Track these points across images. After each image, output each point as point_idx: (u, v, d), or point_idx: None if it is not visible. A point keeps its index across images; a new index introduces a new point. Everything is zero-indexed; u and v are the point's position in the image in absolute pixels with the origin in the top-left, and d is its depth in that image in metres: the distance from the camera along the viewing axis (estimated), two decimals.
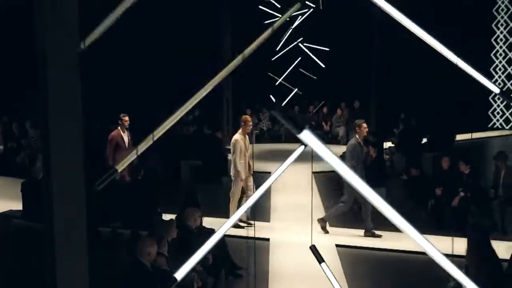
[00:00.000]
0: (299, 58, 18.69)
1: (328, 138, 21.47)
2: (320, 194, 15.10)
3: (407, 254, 10.76)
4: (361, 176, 8.46)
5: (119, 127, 13.13)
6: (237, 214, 4.67)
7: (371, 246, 11.46)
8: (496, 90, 3.61)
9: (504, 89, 24.09)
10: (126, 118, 13.17)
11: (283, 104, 19.70)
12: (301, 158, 15.20)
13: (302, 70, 18.53)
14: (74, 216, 6.04)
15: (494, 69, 24.49)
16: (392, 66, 19.94)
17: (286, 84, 18.94)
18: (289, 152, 15.23)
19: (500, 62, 24.37)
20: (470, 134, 21.71)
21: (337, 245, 11.42)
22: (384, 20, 18.76)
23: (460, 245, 11.06)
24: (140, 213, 10.84)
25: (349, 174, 2.47)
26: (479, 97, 24.01)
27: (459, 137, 20.71)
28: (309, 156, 14.29)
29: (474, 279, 7.47)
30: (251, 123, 12.35)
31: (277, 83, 19.02)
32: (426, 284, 9.53)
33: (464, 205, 12.44)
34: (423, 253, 9.14)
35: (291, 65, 18.75)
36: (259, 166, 17.91)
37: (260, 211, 13.60)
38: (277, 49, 18.66)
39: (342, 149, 19.87)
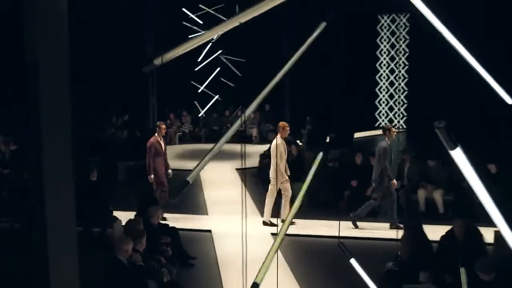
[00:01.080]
0: (218, 68, 18.37)
1: (243, 138, 21.21)
2: (246, 188, 14.81)
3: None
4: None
5: (156, 134, 12.21)
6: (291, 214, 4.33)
7: (302, 233, 11.27)
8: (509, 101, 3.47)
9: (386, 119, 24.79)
10: (164, 125, 12.40)
11: (204, 110, 19.40)
12: (226, 157, 14.87)
13: (222, 79, 18.18)
14: (64, 217, 5.55)
15: (379, 102, 25.15)
16: (299, 74, 19.96)
17: (207, 91, 18.54)
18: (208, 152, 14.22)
19: (383, 96, 25.02)
20: (363, 132, 22.08)
21: (272, 234, 11.22)
22: (292, 34, 18.81)
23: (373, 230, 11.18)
24: (93, 212, 10.20)
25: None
26: (368, 101, 24.56)
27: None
28: (231, 155, 14.03)
29: (410, 259, 7.34)
30: (288, 128, 11.64)
31: (199, 90, 18.60)
32: (368, 264, 9.41)
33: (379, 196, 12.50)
34: (353, 238, 8.89)
35: (212, 75, 18.40)
36: (184, 164, 17.50)
37: (197, 206, 13.23)
38: (199, 60, 18.26)
39: (255, 148, 19.86)
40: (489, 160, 12.19)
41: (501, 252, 8.48)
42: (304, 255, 10.23)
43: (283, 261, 9.67)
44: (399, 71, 24.54)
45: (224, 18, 17.28)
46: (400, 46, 24.35)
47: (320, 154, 4.60)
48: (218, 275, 9.17)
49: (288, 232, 11.06)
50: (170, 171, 12.37)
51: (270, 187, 11.70)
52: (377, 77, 25.02)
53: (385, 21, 24.66)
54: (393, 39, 24.57)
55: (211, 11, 17.78)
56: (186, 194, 14.40)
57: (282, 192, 11.47)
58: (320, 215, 12.12)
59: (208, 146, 20.29)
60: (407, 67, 24.17)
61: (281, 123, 11.53)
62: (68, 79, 5.50)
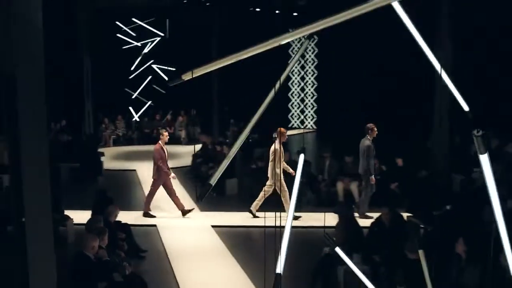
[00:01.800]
0: (150, 77, 18.18)
1: (172, 140, 21.13)
2: (182, 185, 14.74)
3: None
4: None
5: (160, 142, 11.82)
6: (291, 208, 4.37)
7: (239, 224, 11.37)
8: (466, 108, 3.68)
9: (298, 121, 25.30)
10: (166, 133, 12.00)
11: (138, 114, 19.13)
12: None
13: (154, 86, 17.99)
14: (43, 217, 5.41)
15: (291, 105, 25.59)
16: (224, 81, 20.14)
17: (140, 97, 18.30)
18: (142, 153, 14.66)
19: (295, 100, 25.50)
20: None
21: (212, 226, 11.24)
22: (220, 42, 18.75)
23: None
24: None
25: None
26: (282, 104, 25.01)
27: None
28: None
29: (344, 243, 7.56)
30: (286, 134, 11.42)
31: (133, 97, 18.32)
32: (302, 250, 9.65)
33: (300, 188, 12.76)
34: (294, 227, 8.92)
35: (144, 82, 18.19)
36: (120, 165, 17.19)
37: (139, 203, 13.02)
38: (132, 69, 18.01)
39: (185, 148, 19.80)
40: (397, 154, 12.76)
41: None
42: (243, 243, 10.34)
43: (226, 251, 9.78)
44: (309, 78, 25.13)
45: (156, 31, 17.13)
46: (310, 56, 24.94)
47: (302, 156, 4.70)
48: (169, 265, 9.13)
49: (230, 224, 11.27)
50: (173, 175, 12.09)
51: (268, 184, 11.35)
52: (289, 83, 25.50)
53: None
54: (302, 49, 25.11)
55: (143, 24, 17.56)
56: (127, 193, 14.22)
57: (281, 190, 11.05)
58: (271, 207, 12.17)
59: (141, 147, 20.16)
60: (315, 74, 24.78)
61: (280, 129, 11.20)
62: (44, 87, 5.41)
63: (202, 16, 20.00)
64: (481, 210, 7.74)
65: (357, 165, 12.85)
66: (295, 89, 25.44)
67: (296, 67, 25.34)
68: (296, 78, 25.39)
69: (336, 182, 12.87)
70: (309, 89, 25.15)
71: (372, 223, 8.21)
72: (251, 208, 11.49)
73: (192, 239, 10.45)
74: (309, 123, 25.36)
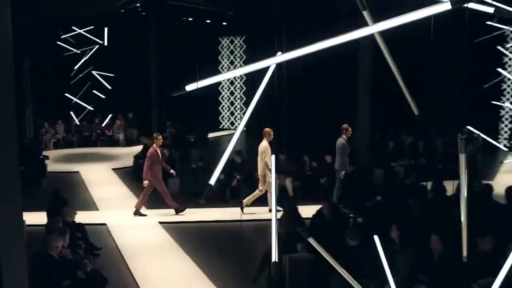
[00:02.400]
0: (90, 82, 17.70)
1: (111, 142, 20.70)
2: (125, 185, 14.46)
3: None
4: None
5: (154, 145, 11.47)
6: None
7: (184, 220, 11.29)
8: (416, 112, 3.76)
9: (228, 122, 25.36)
10: (160, 136, 11.67)
11: (78, 118, 18.52)
12: (100, 159, 14.50)
13: (95, 91, 17.49)
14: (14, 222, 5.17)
15: (222, 108, 25.63)
16: (161, 86, 19.96)
17: (80, 102, 17.75)
18: (83, 155, 14.43)
19: (225, 103, 25.51)
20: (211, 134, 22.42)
21: (160, 222, 11.10)
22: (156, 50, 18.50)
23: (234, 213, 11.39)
24: None
25: None
26: (214, 108, 25.02)
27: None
28: (103, 157, 13.74)
29: (288, 234, 7.68)
30: (272, 133, 11.29)
31: (73, 102, 17.75)
32: (250, 242, 9.75)
33: (239, 184, 12.87)
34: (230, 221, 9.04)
35: (84, 88, 17.69)
36: (61, 167, 16.61)
37: (87, 203, 12.67)
38: (72, 75, 17.48)
39: (123, 150, 19.37)
40: (326, 152, 13.05)
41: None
42: (191, 237, 10.28)
43: (176, 246, 9.70)
44: (238, 83, 25.22)
45: (95, 38, 16.67)
46: (238, 62, 25.03)
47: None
48: (123, 261, 8.96)
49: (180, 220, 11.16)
50: (172, 171, 11.96)
51: (267, 180, 11.16)
52: (219, 87, 25.50)
53: (225, 42, 25.22)
54: (232, 57, 25.18)
55: (82, 32, 17.03)
56: (74, 194, 13.75)
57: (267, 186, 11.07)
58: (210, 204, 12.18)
59: (81, 150, 19.54)
60: (244, 79, 24.92)
61: (267, 129, 11.29)
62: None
63: (138, 24, 19.68)
64: (407, 199, 8.11)
65: (290, 163, 13.14)
66: (225, 93, 25.49)
67: (225, 73, 25.33)
68: (225, 83, 25.43)
69: None
70: (238, 93, 25.26)
71: (314, 215, 8.39)
72: (243, 201, 11.31)
73: (142, 236, 10.29)
74: (239, 124, 25.46)
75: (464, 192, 2.67)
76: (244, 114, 24.93)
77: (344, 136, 11.50)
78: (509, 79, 17.51)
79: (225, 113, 25.55)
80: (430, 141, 14.88)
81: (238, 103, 25.26)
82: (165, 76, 19.80)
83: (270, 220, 10.55)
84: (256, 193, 11.39)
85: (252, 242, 10.06)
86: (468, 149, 11.70)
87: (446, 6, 1.90)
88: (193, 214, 11.48)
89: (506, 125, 18.56)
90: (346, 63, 14.01)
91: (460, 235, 7.06)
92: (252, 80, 23.81)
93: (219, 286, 7.88)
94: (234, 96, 25.32)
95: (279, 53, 3.02)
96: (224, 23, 22.47)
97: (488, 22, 11.11)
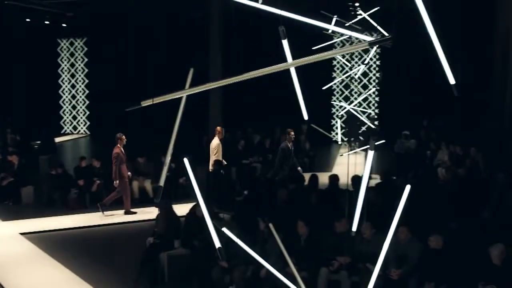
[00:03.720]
0: None
1: None
2: None
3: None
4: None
5: (118, 145, 11.54)
6: None
7: (48, 228, 11.10)
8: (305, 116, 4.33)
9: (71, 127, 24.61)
10: (123, 137, 11.72)
11: None
12: None
13: None
14: None
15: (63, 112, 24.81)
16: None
17: None
18: None
19: (67, 107, 24.69)
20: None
21: (21, 233, 10.77)
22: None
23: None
24: None
25: None
26: (53, 112, 24.13)
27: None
28: None
29: (165, 232, 8.24)
30: (222, 131, 12.29)
31: None
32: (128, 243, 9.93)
33: (100, 189, 12.86)
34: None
35: None
36: None
37: None
38: None
39: None
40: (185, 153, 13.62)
41: None
42: (66, 247, 10.13)
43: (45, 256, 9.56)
44: (80, 86, 24.62)
45: None
46: (79, 65, 24.45)
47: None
48: None
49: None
50: (129, 173, 12.06)
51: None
52: (60, 91, 24.66)
53: (64, 43, 24.46)
54: (72, 59, 24.50)
55: None
56: None
57: None
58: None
59: None
60: (86, 82, 24.40)
61: (219, 128, 12.19)
62: None
63: None
64: (276, 192, 9.04)
65: (149, 165, 13.49)
66: (66, 97, 24.70)
67: (66, 75, 24.62)
68: (66, 86, 24.65)
69: (132, 181, 13.23)
70: (80, 96, 24.64)
71: (187, 214, 8.93)
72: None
73: (6, 248, 9.94)
74: (82, 128, 24.88)
75: (364, 185, 3.28)
76: (87, 118, 24.46)
77: (286, 141, 12.27)
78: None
79: (67, 117, 24.77)
80: (275, 138, 16.24)
81: (81, 107, 24.64)
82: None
83: (129, 222, 10.98)
84: (114, 195, 11.82)
85: (123, 244, 10.28)
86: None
87: (364, 45, 2.56)
88: (56, 222, 11.35)
89: (336, 122, 20.80)
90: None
91: (320, 220, 8.17)
92: (96, 82, 23.52)
93: None
94: (76, 99, 24.64)
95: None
96: (64, 25, 21.84)
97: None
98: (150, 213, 11.43)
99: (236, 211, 9.08)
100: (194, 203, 8.98)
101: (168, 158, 4.10)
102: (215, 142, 12.14)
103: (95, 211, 11.91)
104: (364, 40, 2.56)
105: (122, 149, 11.69)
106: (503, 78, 17.31)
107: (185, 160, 6.02)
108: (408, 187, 3.25)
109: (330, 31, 10.98)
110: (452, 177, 11.24)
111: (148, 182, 13.24)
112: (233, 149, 15.58)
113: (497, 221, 7.73)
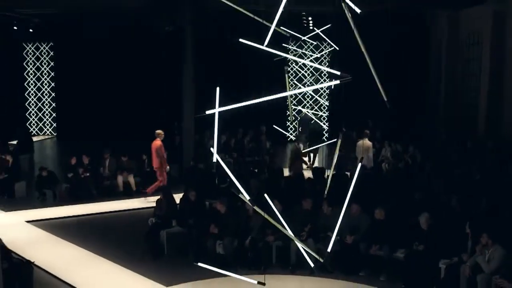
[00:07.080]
0: None
1: None
2: None
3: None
4: None
5: (158, 138, 13.62)
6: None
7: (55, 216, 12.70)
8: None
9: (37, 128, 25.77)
10: (162, 132, 13.77)
11: None
12: None
13: None
14: None
15: (29, 114, 25.91)
16: None
17: None
18: None
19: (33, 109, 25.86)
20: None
21: (27, 221, 12.23)
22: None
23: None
24: None
25: None
26: (20, 113, 25.30)
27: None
28: None
29: (165, 214, 10.36)
30: (162, 134, 13.85)
31: None
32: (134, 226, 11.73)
33: (88, 181, 14.59)
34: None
35: None
36: None
37: None
38: None
39: None
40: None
41: None
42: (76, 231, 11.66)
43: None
44: (45, 89, 25.87)
45: None
46: (45, 69, 25.72)
47: None
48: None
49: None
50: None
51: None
52: (26, 94, 25.88)
53: (30, 48, 25.70)
54: (38, 63, 25.76)
55: None
56: None
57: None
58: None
59: None
60: (51, 85, 25.69)
61: (159, 131, 13.75)
62: None
63: None
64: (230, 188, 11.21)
65: (132, 162, 15.34)
66: (32, 99, 25.95)
67: (32, 79, 25.87)
68: (32, 89, 25.90)
69: (116, 176, 15.01)
70: (46, 99, 25.93)
71: (181, 199, 10.97)
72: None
73: (17, 234, 11.24)
74: (48, 130, 26.20)
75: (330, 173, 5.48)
76: (53, 120, 25.77)
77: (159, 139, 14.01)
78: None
79: (33, 119, 25.99)
80: (239, 138, 18.41)
81: (47, 109, 25.92)
82: None
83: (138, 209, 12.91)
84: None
85: (127, 225, 12.05)
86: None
87: (336, 82, 4.68)
88: (59, 211, 13.11)
89: (291, 123, 23.20)
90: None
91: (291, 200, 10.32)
92: (62, 86, 24.91)
93: (122, 264, 9.59)
94: (42, 102, 25.89)
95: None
96: (31, 30, 23.00)
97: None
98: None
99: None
100: (186, 189, 11.05)
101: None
102: (157, 143, 13.77)
103: (99, 201, 13.88)
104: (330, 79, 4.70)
105: (161, 142, 13.67)
106: (436, 89, 20.46)
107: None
108: (356, 174, 5.07)
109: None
110: (393, 169, 13.87)
111: (131, 177, 15.05)
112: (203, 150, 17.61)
113: (426, 200, 10.21)
